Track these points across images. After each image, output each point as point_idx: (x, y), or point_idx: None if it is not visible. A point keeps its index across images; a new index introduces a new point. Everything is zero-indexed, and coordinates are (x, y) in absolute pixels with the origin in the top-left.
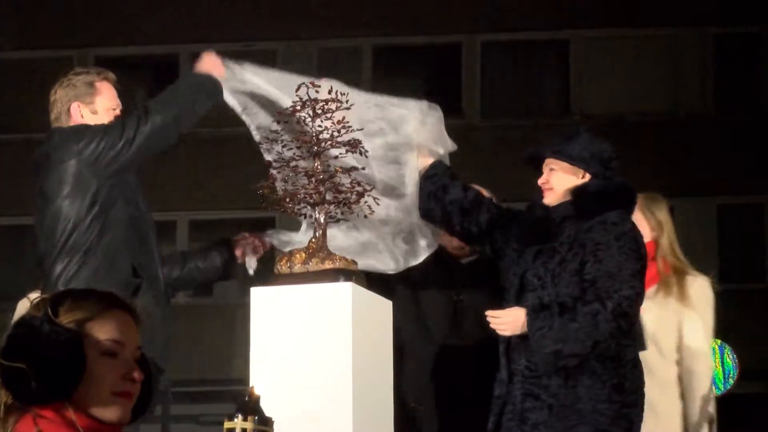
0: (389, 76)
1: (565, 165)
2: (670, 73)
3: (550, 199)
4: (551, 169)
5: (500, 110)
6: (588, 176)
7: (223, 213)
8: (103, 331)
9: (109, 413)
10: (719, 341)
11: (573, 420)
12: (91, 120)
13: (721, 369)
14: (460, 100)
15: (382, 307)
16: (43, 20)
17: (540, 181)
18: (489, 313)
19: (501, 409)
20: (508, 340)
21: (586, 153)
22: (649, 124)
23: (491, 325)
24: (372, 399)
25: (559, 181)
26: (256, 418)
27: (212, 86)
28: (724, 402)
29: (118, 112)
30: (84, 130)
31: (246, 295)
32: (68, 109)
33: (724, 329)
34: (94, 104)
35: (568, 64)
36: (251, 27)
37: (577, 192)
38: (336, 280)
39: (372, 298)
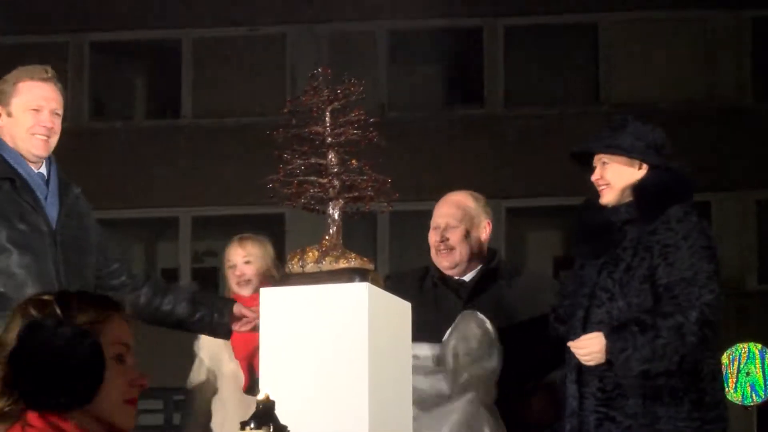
0: (405, 63)
1: (620, 158)
2: (705, 59)
3: (609, 197)
4: (604, 163)
5: (524, 99)
6: (645, 167)
7: (227, 209)
8: (112, 334)
9: (123, 421)
10: (760, 346)
11: None
12: (8, 124)
13: (761, 375)
14: (482, 88)
15: (401, 309)
16: (37, 3)
17: (594, 178)
18: (571, 344)
19: None
20: (579, 366)
21: (640, 143)
22: (682, 113)
23: (578, 356)
24: (390, 406)
25: (615, 175)
26: (271, 425)
27: None
28: (764, 409)
29: (45, 113)
30: None
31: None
32: None
33: (766, 333)
34: (9, 106)
35: (597, 50)
36: (256, 9)
37: (637, 191)
38: (351, 280)
39: (389, 300)
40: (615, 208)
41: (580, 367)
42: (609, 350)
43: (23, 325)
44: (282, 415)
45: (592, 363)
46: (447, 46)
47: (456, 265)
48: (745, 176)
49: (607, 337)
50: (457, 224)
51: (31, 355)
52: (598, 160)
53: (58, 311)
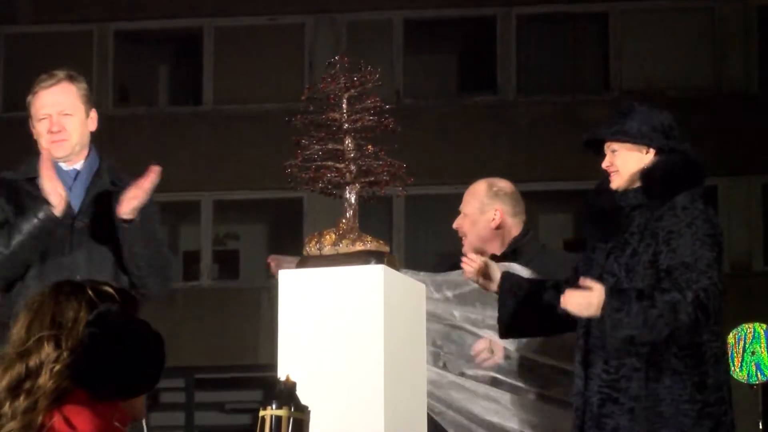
0: (421, 51)
1: (627, 144)
2: (713, 47)
3: (618, 182)
4: (613, 151)
5: (536, 86)
6: (652, 151)
7: (248, 193)
8: None
9: (140, 409)
10: (765, 326)
11: (656, 424)
12: (35, 133)
13: (766, 354)
14: (495, 75)
15: (416, 291)
16: None
17: (604, 165)
18: (567, 293)
19: (582, 421)
20: (587, 345)
21: (646, 127)
22: (691, 100)
23: (565, 305)
24: (405, 385)
25: (623, 162)
26: (292, 406)
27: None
28: None
29: (53, 119)
30: None
31: (273, 277)
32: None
33: None
34: (31, 118)
35: (607, 38)
36: None
37: (644, 176)
38: (367, 262)
39: (405, 281)
40: (624, 193)
41: (587, 349)
42: (605, 306)
43: (92, 314)
44: (300, 394)
45: (584, 314)
46: (461, 34)
47: (471, 251)
48: (752, 161)
49: (606, 294)
50: (466, 212)
51: (102, 344)
52: (608, 146)
53: (119, 301)
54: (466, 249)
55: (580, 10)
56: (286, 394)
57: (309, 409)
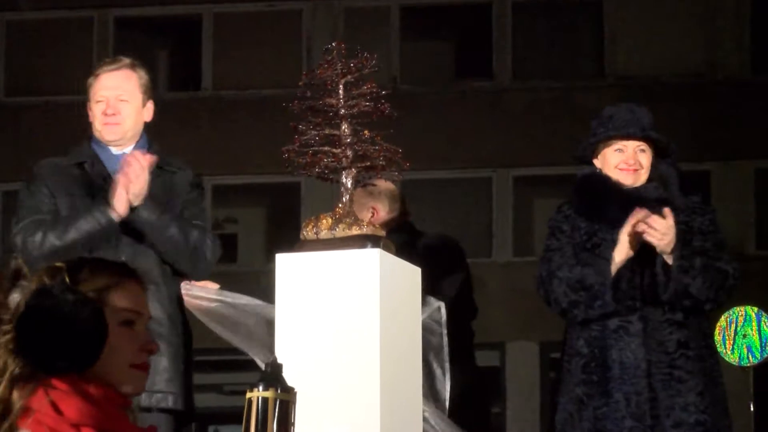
0: (417, 37)
1: (651, 146)
2: (706, 33)
3: (640, 180)
4: (642, 150)
5: (531, 72)
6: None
7: (246, 178)
8: (121, 301)
9: (126, 386)
10: (756, 309)
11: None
12: (91, 115)
13: (758, 337)
14: (491, 61)
15: (411, 275)
16: None
17: (630, 163)
18: (650, 220)
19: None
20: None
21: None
22: (685, 85)
23: (646, 234)
24: (400, 368)
25: (647, 161)
26: (278, 387)
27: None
28: (760, 370)
29: (110, 101)
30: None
31: (270, 261)
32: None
33: (762, 296)
34: (89, 101)
35: (602, 24)
36: None
37: (664, 175)
38: (363, 246)
39: (400, 265)
40: (645, 187)
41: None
42: (676, 246)
43: (32, 291)
44: (296, 377)
45: (664, 240)
46: (457, 21)
47: None
48: (745, 146)
49: (677, 239)
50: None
51: (34, 320)
52: (636, 145)
53: (67, 278)
54: None
55: None
56: (273, 375)
57: (295, 390)
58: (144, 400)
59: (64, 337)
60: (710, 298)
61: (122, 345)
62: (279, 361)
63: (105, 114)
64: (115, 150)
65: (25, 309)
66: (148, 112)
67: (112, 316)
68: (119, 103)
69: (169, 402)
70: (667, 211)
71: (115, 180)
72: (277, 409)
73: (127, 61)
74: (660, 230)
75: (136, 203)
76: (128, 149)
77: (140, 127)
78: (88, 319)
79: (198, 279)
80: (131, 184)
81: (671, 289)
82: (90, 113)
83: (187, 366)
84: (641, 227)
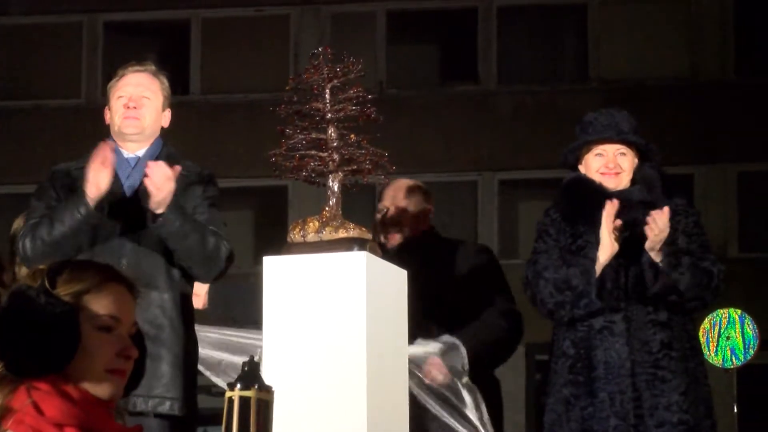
0: (404, 42)
1: (634, 149)
2: (689, 37)
3: (622, 183)
4: (623, 154)
5: (517, 76)
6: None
7: (234, 181)
8: (99, 305)
9: (101, 390)
10: (740, 311)
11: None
12: (110, 116)
13: (741, 339)
14: (476, 66)
15: (397, 277)
16: None
17: (610, 167)
18: (654, 214)
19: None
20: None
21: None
22: (669, 89)
23: (647, 228)
24: (387, 370)
25: (629, 165)
26: (257, 386)
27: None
28: (744, 372)
29: (132, 96)
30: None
31: (258, 264)
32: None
33: (745, 299)
34: (109, 101)
35: (586, 29)
36: None
37: (647, 177)
38: (350, 249)
39: (387, 268)
40: (628, 190)
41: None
42: (665, 247)
43: (9, 294)
44: (283, 379)
45: (662, 236)
46: (443, 26)
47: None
48: (728, 149)
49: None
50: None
51: (6, 322)
52: (616, 149)
53: (46, 281)
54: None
55: (559, 1)
56: (251, 374)
57: (273, 389)
58: (141, 404)
59: (34, 339)
60: (696, 296)
61: (98, 349)
62: (256, 359)
63: (127, 107)
64: (127, 153)
65: (0, 310)
66: (166, 119)
67: (89, 320)
68: (142, 99)
69: (167, 407)
70: (666, 209)
71: (93, 164)
72: (257, 407)
73: (152, 67)
74: (659, 225)
75: (158, 211)
76: (141, 152)
77: (157, 129)
78: (58, 323)
79: (208, 283)
80: (156, 192)
81: (660, 282)
82: (107, 115)
83: (189, 372)
84: (648, 219)
